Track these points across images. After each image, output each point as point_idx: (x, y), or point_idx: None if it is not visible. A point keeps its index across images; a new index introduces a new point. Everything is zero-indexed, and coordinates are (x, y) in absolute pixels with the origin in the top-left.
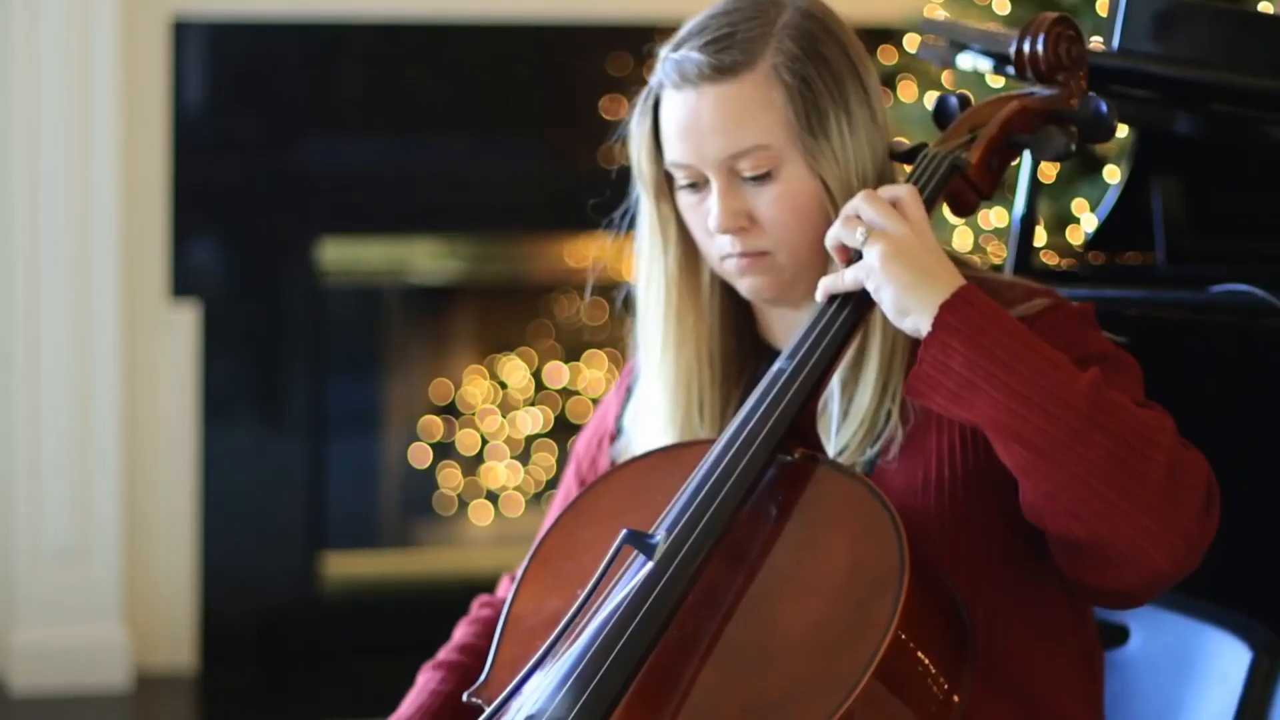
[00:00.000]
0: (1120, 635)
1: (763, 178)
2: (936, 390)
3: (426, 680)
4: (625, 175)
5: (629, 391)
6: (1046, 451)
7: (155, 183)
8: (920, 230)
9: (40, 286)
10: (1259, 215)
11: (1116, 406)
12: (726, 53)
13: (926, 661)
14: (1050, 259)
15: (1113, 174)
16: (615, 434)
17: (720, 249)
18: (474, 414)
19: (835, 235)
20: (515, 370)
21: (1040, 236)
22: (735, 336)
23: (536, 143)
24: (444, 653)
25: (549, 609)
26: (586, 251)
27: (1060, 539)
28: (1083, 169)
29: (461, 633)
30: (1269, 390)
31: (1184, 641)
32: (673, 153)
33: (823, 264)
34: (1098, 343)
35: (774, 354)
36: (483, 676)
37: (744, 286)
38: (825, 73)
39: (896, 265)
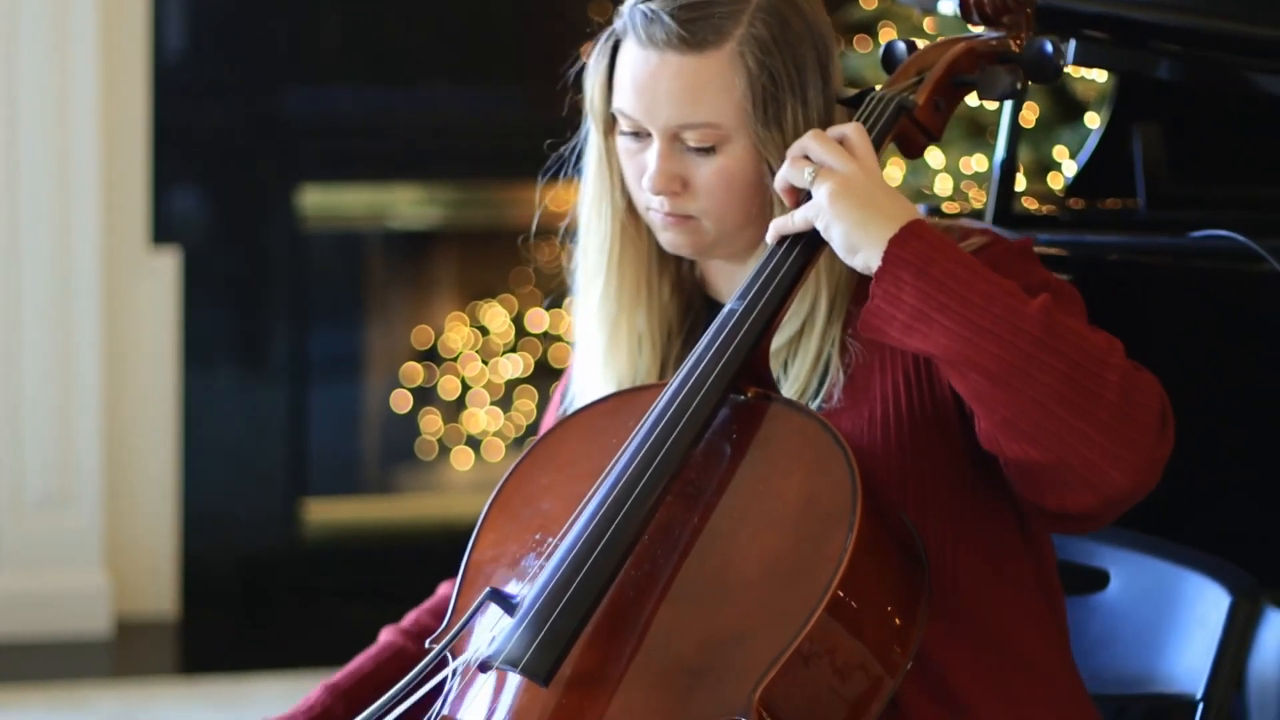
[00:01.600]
0: (1100, 579)
1: (705, 150)
2: (890, 324)
3: (385, 636)
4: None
5: None
6: (1001, 377)
7: (136, 129)
8: (868, 167)
9: (20, 234)
10: (1239, 161)
11: (1068, 330)
12: (697, 25)
13: (881, 593)
14: (1031, 204)
15: (1093, 120)
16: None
17: (648, 201)
18: (455, 359)
19: (783, 176)
20: (496, 316)
21: (1021, 182)
22: (676, 275)
23: (517, 89)
24: (406, 620)
25: (509, 554)
26: (567, 197)
27: (1018, 464)
28: (1063, 115)
29: (415, 614)
30: (1249, 335)
31: (1163, 585)
32: (622, 102)
33: (747, 232)
34: (1038, 273)
35: (714, 305)
36: (444, 623)
37: (664, 240)
38: (789, 62)
39: (845, 203)
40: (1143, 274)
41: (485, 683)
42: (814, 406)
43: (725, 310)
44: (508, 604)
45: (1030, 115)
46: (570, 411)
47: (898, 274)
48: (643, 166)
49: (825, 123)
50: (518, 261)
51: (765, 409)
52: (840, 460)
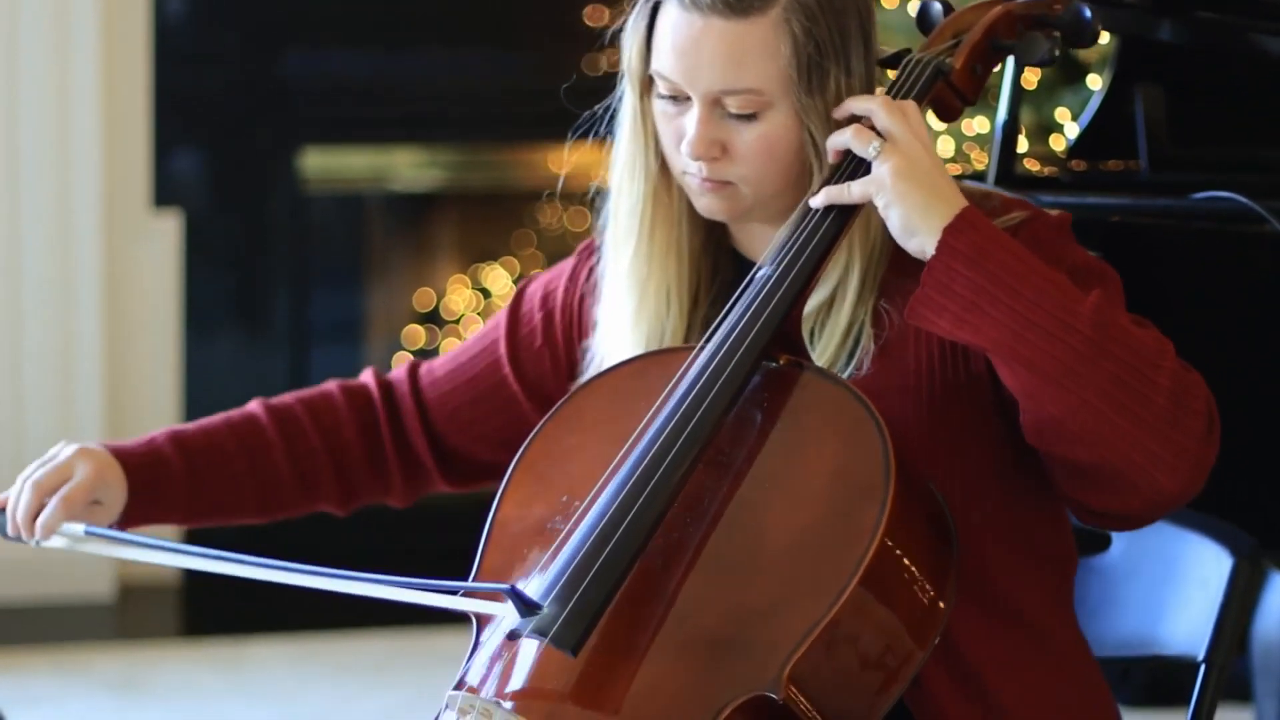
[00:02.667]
0: (1102, 542)
1: (747, 116)
2: (940, 314)
3: (252, 406)
4: (613, 82)
5: (595, 268)
6: (1051, 375)
7: (137, 93)
8: (928, 146)
9: (21, 198)
10: (1241, 122)
11: (1120, 330)
12: None
13: (912, 568)
14: (1033, 166)
15: (1095, 81)
16: (580, 314)
17: (685, 166)
18: (457, 322)
19: (843, 142)
20: (498, 279)
21: (1022, 144)
22: (707, 235)
23: (519, 51)
24: (280, 399)
25: (534, 516)
26: (569, 160)
27: (1063, 462)
28: (1065, 76)
29: (303, 392)
30: (1250, 297)
31: (1165, 547)
32: (661, 64)
33: (784, 197)
34: (1079, 254)
35: (745, 264)
36: (470, 577)
37: (700, 204)
38: (834, 29)
39: (909, 184)
40: (1144, 235)
41: (510, 650)
42: (845, 374)
43: (758, 275)
44: (529, 607)
45: (1032, 77)
46: (598, 372)
47: (951, 264)
48: (680, 130)
49: (868, 87)
50: (519, 224)
51: (797, 377)
52: (873, 432)
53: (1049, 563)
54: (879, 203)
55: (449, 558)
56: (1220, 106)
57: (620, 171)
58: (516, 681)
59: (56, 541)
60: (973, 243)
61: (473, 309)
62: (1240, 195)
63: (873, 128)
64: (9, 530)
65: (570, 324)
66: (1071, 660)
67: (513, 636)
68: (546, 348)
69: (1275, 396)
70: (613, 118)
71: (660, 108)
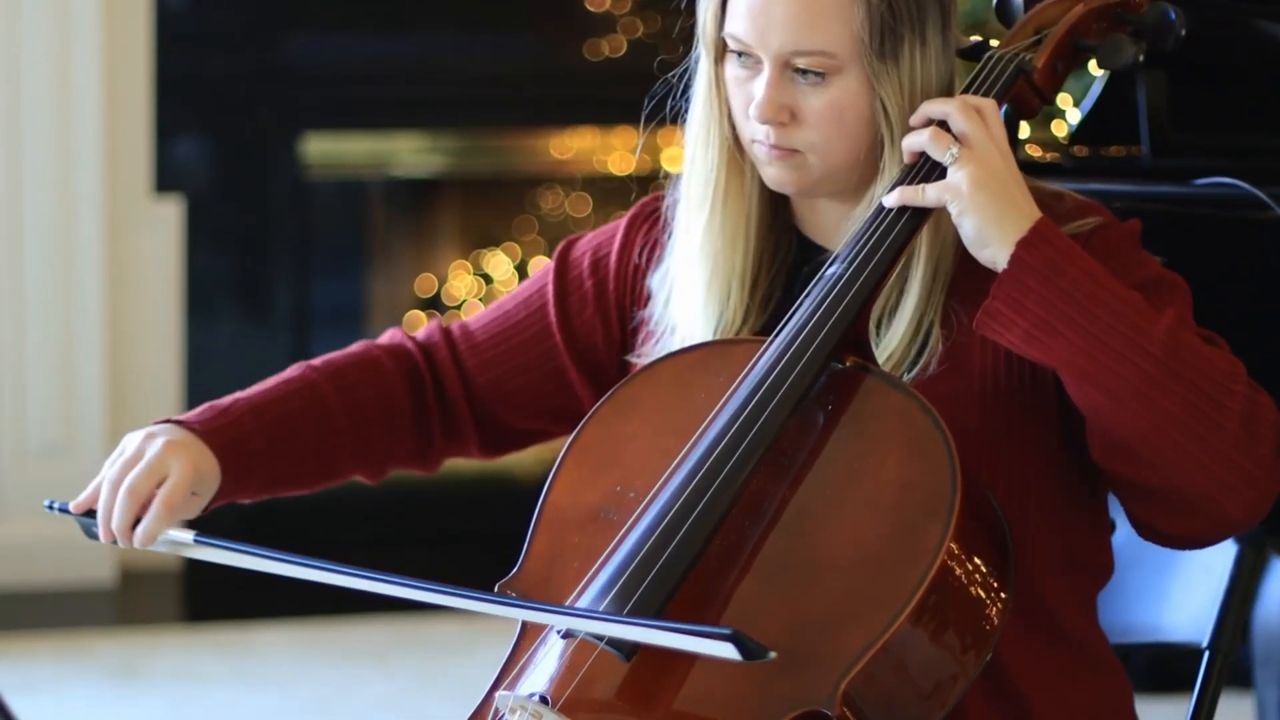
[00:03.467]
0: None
1: (818, 79)
2: (1010, 329)
3: (285, 375)
4: (615, 68)
5: (649, 233)
6: (1122, 397)
7: (138, 78)
8: (1005, 152)
9: (23, 183)
10: (1244, 108)
11: (1193, 353)
12: None
13: (971, 587)
14: (1034, 152)
15: (1096, 67)
16: (631, 282)
17: (753, 133)
18: (458, 308)
19: (919, 145)
20: (500, 264)
21: (1024, 129)
22: (772, 211)
23: (521, 36)
24: (317, 360)
25: (586, 502)
26: (571, 145)
27: (1129, 484)
28: None
29: (346, 351)
30: (1253, 283)
31: None
32: (734, 26)
33: (856, 170)
34: (1152, 265)
35: (805, 242)
36: (515, 568)
37: (768, 175)
38: None
39: (986, 194)
40: (1147, 221)
41: (561, 648)
42: (909, 375)
43: (829, 274)
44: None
45: None
46: (657, 357)
47: (1023, 279)
48: (750, 96)
49: (942, 65)
50: (521, 210)
51: (862, 380)
52: (939, 445)
53: (1086, 573)
54: (952, 210)
55: (431, 539)
56: (1223, 92)
57: (694, 140)
58: (566, 683)
59: (159, 547)
60: (1046, 258)
61: (474, 295)
62: (1243, 181)
63: (947, 128)
64: (102, 537)
65: (624, 293)
66: (1104, 669)
67: (566, 636)
68: (599, 316)
69: (1278, 383)
70: (655, 100)
71: (732, 73)
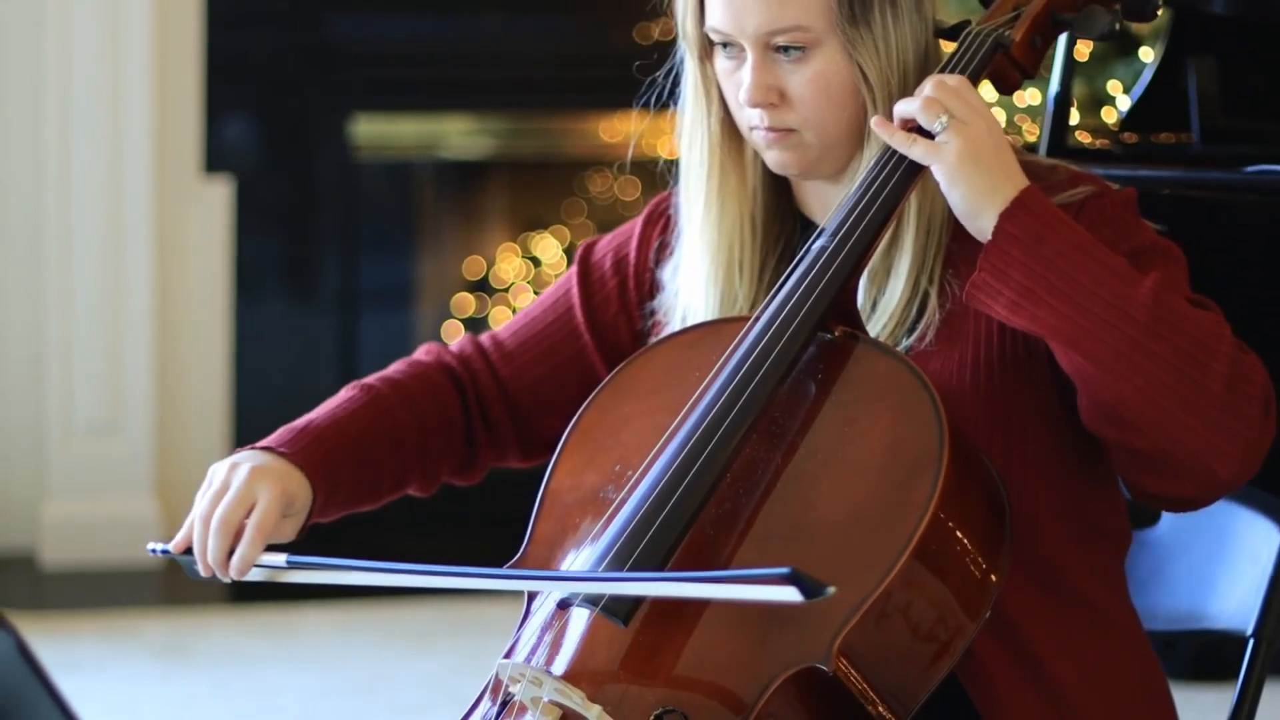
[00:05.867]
0: (1152, 516)
1: (800, 54)
2: (996, 299)
3: (348, 394)
4: (663, 50)
5: (663, 233)
6: (1106, 362)
7: (188, 58)
8: (992, 124)
9: (73, 162)
10: None
11: (1177, 316)
12: None
13: (965, 542)
14: (1084, 139)
15: (1147, 54)
16: (649, 278)
17: (749, 120)
18: (507, 290)
19: (910, 112)
20: (548, 247)
21: (1074, 116)
22: (774, 199)
23: (570, 18)
24: (372, 378)
25: (587, 484)
26: (620, 128)
27: (1119, 447)
28: (1118, 49)
29: (394, 368)
30: None
31: (1214, 522)
32: (713, 18)
33: (852, 145)
34: (1145, 232)
35: (808, 224)
36: (520, 552)
37: (770, 159)
38: None
39: (973, 165)
40: (1196, 208)
41: (561, 619)
42: (905, 345)
43: (816, 246)
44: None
45: (1084, 49)
46: (652, 341)
47: (1006, 249)
48: (740, 84)
49: (917, 27)
50: (570, 192)
51: (852, 349)
52: (927, 405)
53: (1104, 538)
54: (941, 181)
55: (473, 520)
56: (1272, 79)
57: (686, 137)
58: (567, 650)
59: (254, 575)
60: (1028, 227)
61: (523, 277)
62: None
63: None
64: (201, 573)
65: (643, 290)
66: (1126, 637)
67: (563, 605)
68: (623, 314)
69: None
70: (673, 85)
71: (721, 66)
